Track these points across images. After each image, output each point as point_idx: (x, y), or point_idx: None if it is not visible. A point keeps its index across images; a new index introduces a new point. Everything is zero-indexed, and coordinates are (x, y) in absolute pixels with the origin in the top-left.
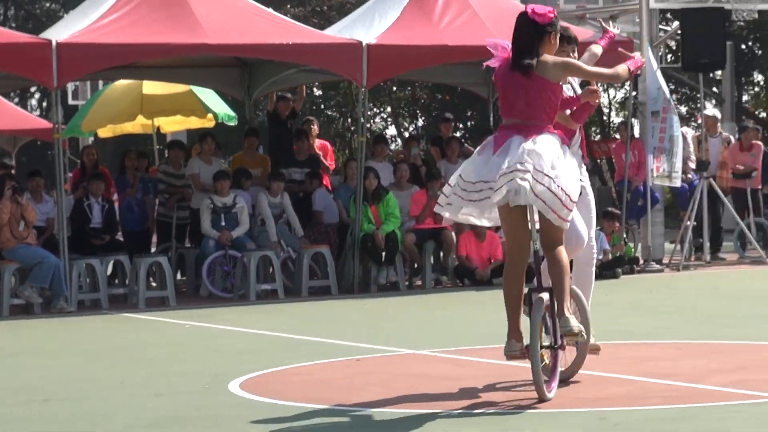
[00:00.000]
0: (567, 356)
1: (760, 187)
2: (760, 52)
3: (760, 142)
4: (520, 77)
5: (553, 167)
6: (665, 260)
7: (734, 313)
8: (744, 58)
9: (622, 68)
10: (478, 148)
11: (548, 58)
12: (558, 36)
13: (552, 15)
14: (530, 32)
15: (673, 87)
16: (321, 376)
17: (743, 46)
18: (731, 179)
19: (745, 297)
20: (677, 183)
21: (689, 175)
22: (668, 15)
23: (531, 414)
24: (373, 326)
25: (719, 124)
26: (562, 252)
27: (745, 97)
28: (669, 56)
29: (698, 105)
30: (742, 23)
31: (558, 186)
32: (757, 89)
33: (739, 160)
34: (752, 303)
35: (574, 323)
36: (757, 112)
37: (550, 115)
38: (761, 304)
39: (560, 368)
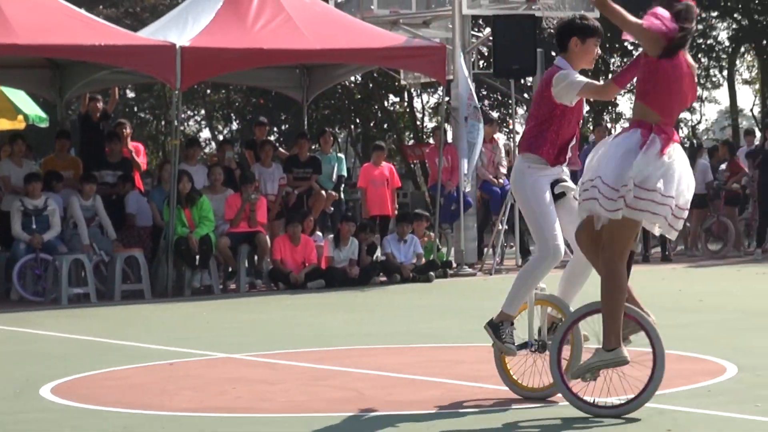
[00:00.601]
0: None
1: None
2: None
3: None
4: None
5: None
6: (478, 264)
7: None
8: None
9: None
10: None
11: None
12: None
13: None
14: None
15: (485, 93)
16: (134, 381)
17: (553, 53)
18: None
19: None
20: (469, 187)
21: (501, 180)
22: (480, 21)
23: (340, 417)
24: (186, 330)
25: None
26: None
27: None
28: (481, 62)
29: (510, 111)
30: (552, 30)
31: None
32: None
33: None
34: None
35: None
36: None
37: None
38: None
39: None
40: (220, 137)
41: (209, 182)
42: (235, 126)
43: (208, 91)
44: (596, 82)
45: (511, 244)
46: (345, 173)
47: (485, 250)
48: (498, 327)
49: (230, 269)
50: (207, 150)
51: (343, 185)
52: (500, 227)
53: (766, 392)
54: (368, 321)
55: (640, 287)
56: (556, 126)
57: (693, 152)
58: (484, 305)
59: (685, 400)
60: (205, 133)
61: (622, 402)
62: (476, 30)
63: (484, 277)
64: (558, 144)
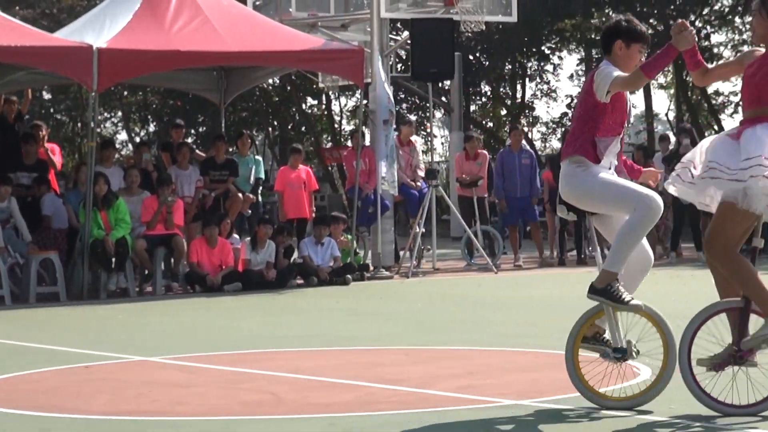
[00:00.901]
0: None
1: (486, 195)
2: (487, 63)
3: (485, 151)
4: None
5: None
6: (395, 267)
7: (462, 319)
8: (472, 69)
9: None
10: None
11: None
12: None
13: None
14: None
15: (403, 96)
16: (50, 384)
17: (471, 57)
18: (458, 187)
19: (473, 303)
20: (395, 191)
21: (418, 183)
22: (399, 25)
23: (257, 420)
24: (102, 333)
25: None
26: None
27: (472, 107)
28: (399, 65)
29: (428, 114)
30: (470, 34)
31: None
32: (484, 99)
33: (465, 169)
34: (479, 309)
35: None
36: (484, 122)
37: None
38: (488, 310)
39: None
40: (137, 139)
41: (126, 184)
42: (152, 128)
43: (125, 92)
44: (624, 74)
45: (428, 247)
46: (262, 176)
47: (402, 253)
48: (607, 290)
49: (146, 272)
50: (124, 152)
51: (260, 188)
52: (417, 230)
53: (679, 394)
54: (285, 324)
55: (552, 293)
56: (598, 125)
57: None
58: (400, 308)
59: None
60: (122, 135)
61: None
62: (394, 33)
63: (401, 280)
64: (601, 145)
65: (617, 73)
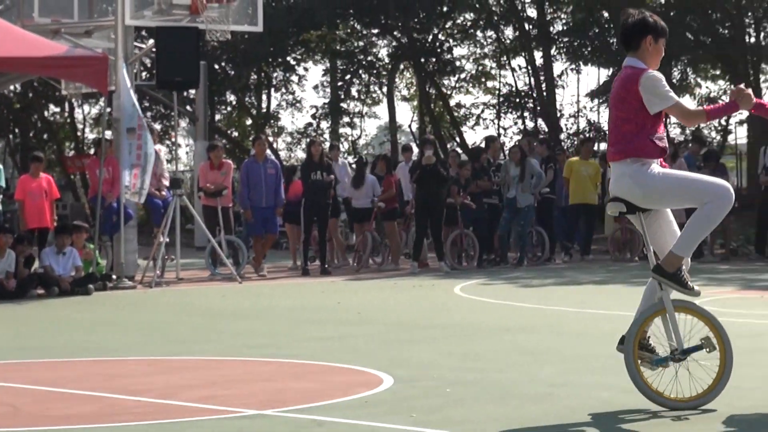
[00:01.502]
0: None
1: (231, 204)
2: (232, 72)
3: (229, 161)
4: None
5: None
6: (138, 277)
7: (206, 329)
8: (217, 78)
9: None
10: None
11: None
12: None
13: None
14: None
15: (148, 104)
16: None
17: (217, 66)
18: (203, 197)
19: (217, 313)
20: (142, 200)
21: (163, 192)
22: (144, 32)
23: None
24: None
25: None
26: None
27: (218, 117)
28: (144, 73)
29: (172, 123)
30: (215, 43)
31: None
32: (229, 109)
33: (209, 178)
34: (223, 319)
35: None
36: (229, 131)
37: None
38: (232, 320)
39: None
40: None
41: None
42: None
43: None
44: (686, 106)
45: (172, 257)
46: (3, 184)
47: (146, 262)
48: (676, 274)
49: None
50: None
51: (0, 196)
52: (161, 239)
53: (420, 403)
54: (25, 335)
55: (299, 302)
56: (650, 125)
57: (361, 167)
58: (143, 318)
59: (343, 411)
60: None
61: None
62: (139, 41)
63: (144, 290)
64: (658, 142)
65: (674, 96)
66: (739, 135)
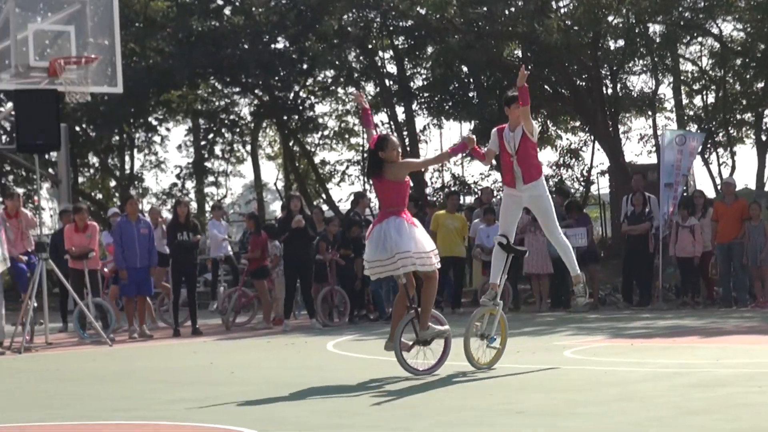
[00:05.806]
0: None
1: (98, 267)
2: (94, 134)
3: (95, 223)
4: None
5: None
6: (6, 342)
7: (76, 394)
8: (79, 140)
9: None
10: None
11: None
12: None
13: None
14: None
15: (9, 168)
16: None
17: (78, 128)
18: (69, 260)
19: (87, 377)
20: (7, 264)
21: (30, 259)
22: (2, 96)
23: None
24: None
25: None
26: None
27: (81, 179)
28: (4, 137)
29: (35, 186)
30: (75, 105)
31: None
32: (92, 171)
33: (75, 241)
34: (94, 383)
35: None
36: (93, 194)
37: None
38: (102, 383)
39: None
40: None
41: None
42: None
43: None
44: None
45: (41, 321)
46: None
47: (14, 327)
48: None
49: None
50: None
51: None
52: (30, 304)
53: None
54: None
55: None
56: None
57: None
58: (11, 384)
59: None
60: None
61: None
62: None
63: (13, 356)
64: None
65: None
66: (602, 185)
